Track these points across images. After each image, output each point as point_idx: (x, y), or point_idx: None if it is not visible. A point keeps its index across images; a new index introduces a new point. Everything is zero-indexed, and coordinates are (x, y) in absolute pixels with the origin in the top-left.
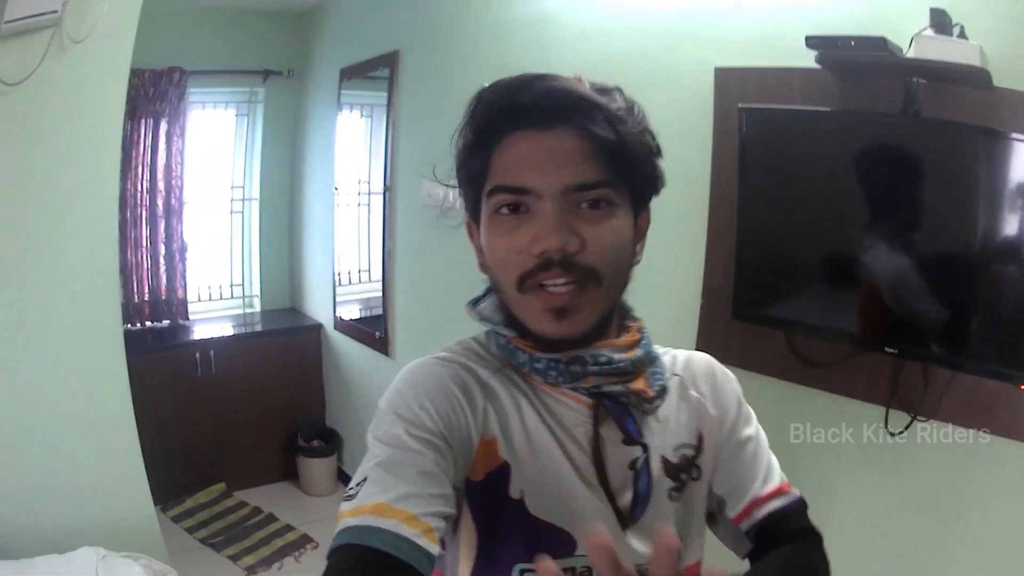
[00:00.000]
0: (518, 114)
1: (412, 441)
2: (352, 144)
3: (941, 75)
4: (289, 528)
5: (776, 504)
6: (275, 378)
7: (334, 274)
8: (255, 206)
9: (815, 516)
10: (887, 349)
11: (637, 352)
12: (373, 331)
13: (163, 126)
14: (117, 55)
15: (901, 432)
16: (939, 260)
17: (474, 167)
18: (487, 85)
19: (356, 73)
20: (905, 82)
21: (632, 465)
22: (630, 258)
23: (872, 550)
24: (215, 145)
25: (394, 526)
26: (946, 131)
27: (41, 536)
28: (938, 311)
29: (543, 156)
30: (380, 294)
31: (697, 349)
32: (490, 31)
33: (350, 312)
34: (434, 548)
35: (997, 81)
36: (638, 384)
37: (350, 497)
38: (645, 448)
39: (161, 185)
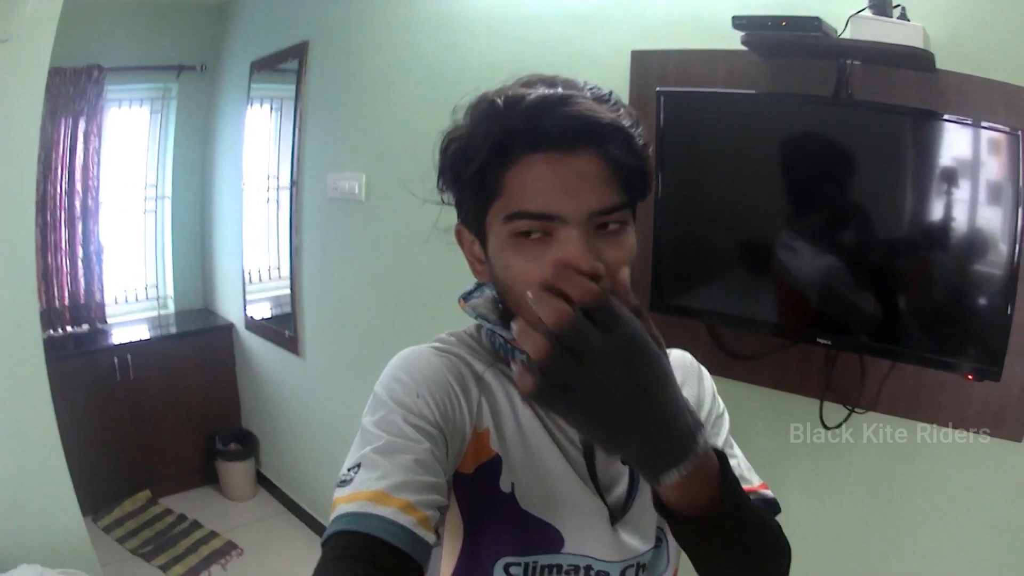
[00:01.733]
0: (540, 136)
1: (409, 429)
2: (260, 139)
3: (879, 57)
4: (214, 535)
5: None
6: (191, 381)
7: (243, 272)
8: (168, 205)
9: None
10: (819, 340)
11: None
12: (283, 329)
13: (81, 125)
14: (37, 56)
15: (838, 426)
16: (871, 247)
17: (484, 183)
18: (499, 100)
19: (266, 66)
20: (838, 64)
21: (625, 460)
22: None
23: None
24: (130, 143)
25: (392, 513)
26: (881, 114)
27: None
28: (872, 300)
29: (568, 181)
30: (288, 292)
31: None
32: (402, 21)
33: (261, 311)
34: (430, 537)
35: (940, 63)
36: None
37: (344, 482)
38: None
39: (79, 186)
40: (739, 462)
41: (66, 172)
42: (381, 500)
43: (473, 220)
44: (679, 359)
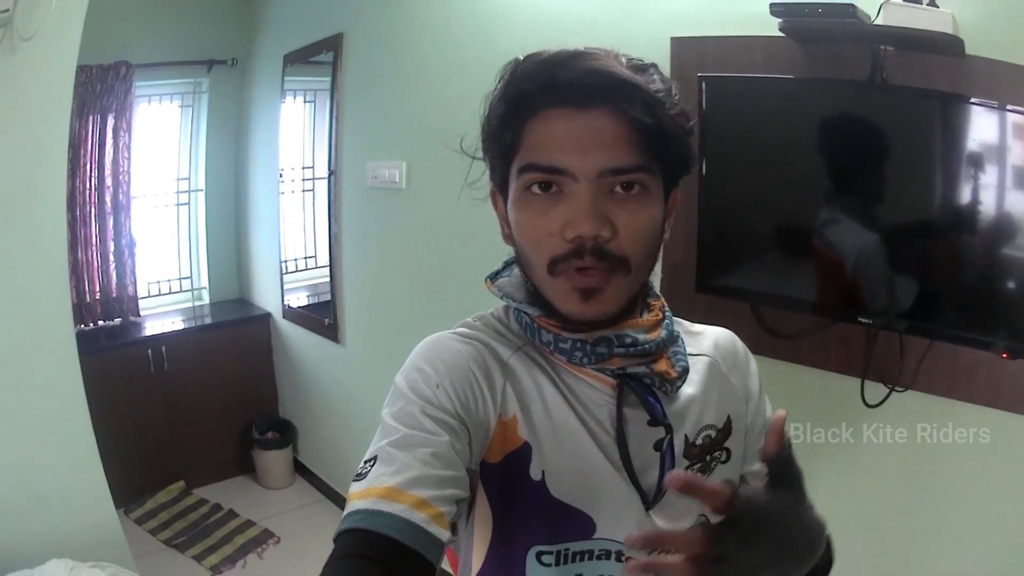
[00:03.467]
0: (555, 90)
1: (427, 421)
2: (295, 130)
3: (910, 42)
4: (250, 524)
5: None
6: (227, 370)
7: (280, 261)
8: (201, 197)
9: None
10: (860, 319)
11: (661, 333)
12: (322, 318)
13: (110, 121)
14: (64, 52)
15: (880, 403)
16: (905, 227)
17: (505, 139)
18: (522, 57)
19: (299, 58)
20: (872, 49)
21: (657, 446)
22: (659, 240)
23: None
24: (161, 138)
25: (403, 511)
26: (913, 98)
27: (7, 550)
28: (909, 280)
29: (579, 137)
30: (327, 280)
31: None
32: (435, 8)
33: (298, 299)
34: (443, 534)
35: (969, 49)
36: (661, 365)
37: (360, 476)
38: (669, 429)
39: (109, 181)
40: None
41: (95, 168)
42: (393, 496)
43: (499, 178)
44: (727, 343)
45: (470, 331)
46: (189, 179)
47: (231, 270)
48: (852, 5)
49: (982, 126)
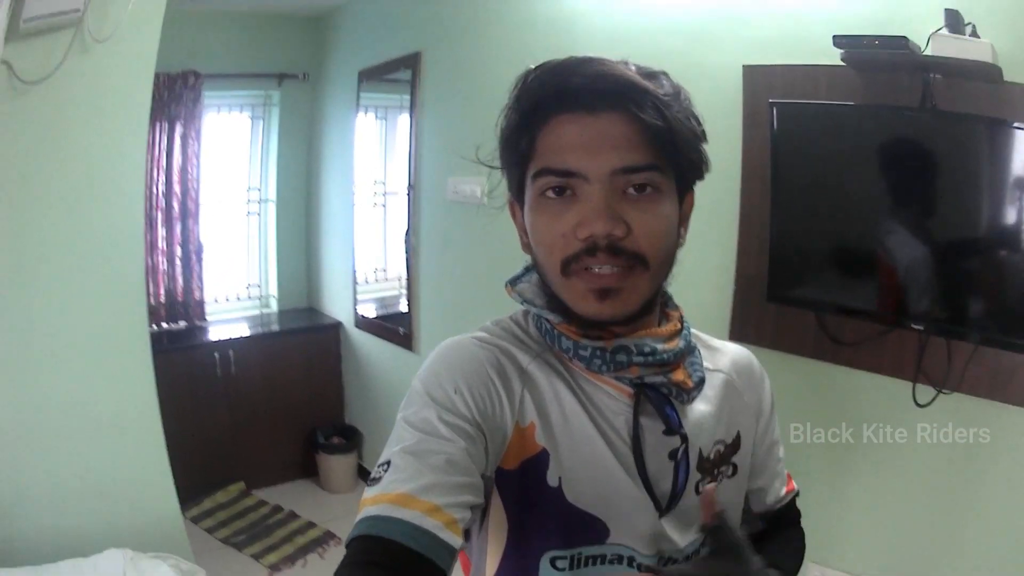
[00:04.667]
0: (566, 96)
1: (443, 427)
2: (368, 146)
3: (955, 71)
4: (311, 525)
5: (788, 499)
6: (294, 377)
7: (354, 272)
8: (272, 208)
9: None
10: (913, 326)
11: (679, 343)
12: (396, 327)
13: (178, 129)
14: (141, 55)
15: (929, 403)
16: (956, 242)
17: (519, 147)
18: (533, 66)
19: (374, 75)
20: (923, 78)
21: (672, 455)
22: (675, 242)
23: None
24: (231, 148)
25: (415, 517)
26: (961, 122)
27: (66, 539)
28: (958, 289)
29: (590, 139)
30: (395, 292)
31: (732, 330)
32: (514, 30)
33: (368, 310)
34: (456, 541)
35: (1007, 76)
36: (678, 375)
37: (374, 481)
38: (685, 439)
39: (177, 188)
40: (781, 457)
41: (163, 174)
42: (406, 503)
43: (516, 188)
44: (745, 361)
45: (489, 336)
46: (260, 189)
47: (300, 279)
48: (905, 38)
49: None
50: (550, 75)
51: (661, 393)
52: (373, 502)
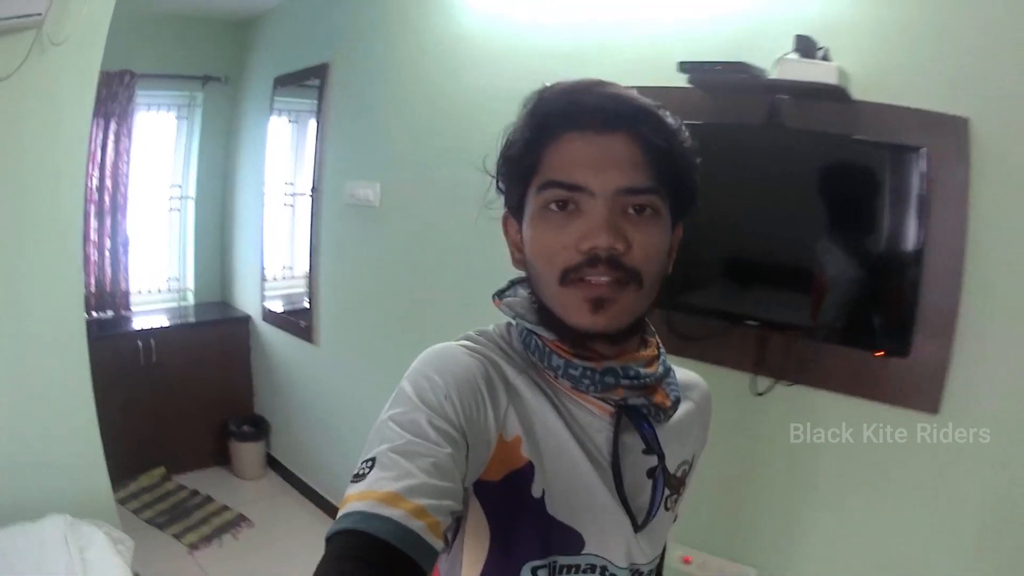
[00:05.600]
0: (577, 115)
1: (431, 431)
2: (280, 148)
3: (801, 91)
4: (226, 508)
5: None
6: (209, 367)
7: (262, 268)
8: (192, 204)
9: None
10: (749, 322)
11: (659, 368)
12: (299, 321)
13: (112, 126)
14: (90, 57)
15: (764, 392)
16: (794, 247)
17: (525, 162)
18: (547, 85)
19: (289, 81)
20: (770, 98)
21: (650, 473)
22: (665, 267)
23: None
24: (158, 146)
25: (402, 517)
26: (804, 136)
27: (9, 506)
28: (795, 289)
29: (597, 157)
30: (301, 290)
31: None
32: (412, 47)
33: (275, 305)
34: (438, 544)
35: (860, 94)
36: (659, 396)
37: (359, 477)
38: (662, 457)
39: (108, 182)
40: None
41: (97, 169)
42: (393, 502)
43: (516, 202)
44: (706, 392)
45: (477, 346)
46: (182, 186)
47: (215, 274)
48: (744, 63)
49: (867, 158)
50: (562, 94)
51: (641, 413)
52: (359, 498)
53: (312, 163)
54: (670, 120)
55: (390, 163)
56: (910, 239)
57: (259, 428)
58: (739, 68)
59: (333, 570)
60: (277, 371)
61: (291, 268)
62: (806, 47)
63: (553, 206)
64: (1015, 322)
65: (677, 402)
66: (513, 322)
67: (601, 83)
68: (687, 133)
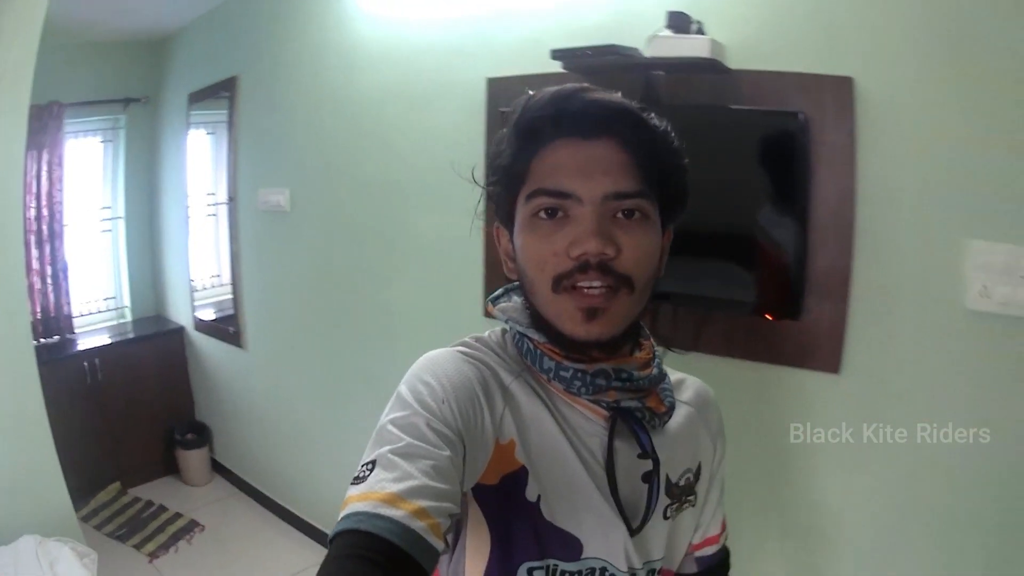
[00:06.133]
0: (563, 122)
1: (431, 434)
2: (201, 160)
3: (675, 67)
4: (178, 515)
5: (721, 541)
6: (150, 380)
7: (190, 280)
8: (122, 224)
9: None
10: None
11: (653, 370)
12: (228, 327)
13: (44, 156)
14: (19, 95)
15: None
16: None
17: (513, 171)
18: (531, 93)
19: (203, 96)
20: (645, 75)
21: (646, 478)
22: (656, 269)
23: None
24: (86, 170)
25: (403, 517)
26: (682, 111)
27: None
28: (683, 258)
29: (584, 164)
30: (229, 296)
31: (485, 307)
32: (311, 56)
33: (207, 314)
34: (439, 545)
35: (738, 64)
36: (652, 400)
37: (359, 479)
38: (657, 461)
39: (45, 211)
40: (723, 491)
41: (34, 199)
42: (394, 503)
43: (505, 212)
44: (705, 393)
45: (473, 351)
46: (112, 207)
47: (148, 289)
48: (615, 45)
49: (747, 126)
50: (547, 103)
51: (635, 417)
52: (360, 499)
53: (226, 173)
54: (656, 123)
55: (298, 168)
56: (793, 203)
57: (201, 435)
58: (609, 51)
59: (338, 569)
60: (212, 377)
61: (219, 276)
62: (679, 23)
63: (542, 214)
64: (910, 277)
65: (672, 408)
66: (507, 327)
67: (585, 89)
68: (674, 135)
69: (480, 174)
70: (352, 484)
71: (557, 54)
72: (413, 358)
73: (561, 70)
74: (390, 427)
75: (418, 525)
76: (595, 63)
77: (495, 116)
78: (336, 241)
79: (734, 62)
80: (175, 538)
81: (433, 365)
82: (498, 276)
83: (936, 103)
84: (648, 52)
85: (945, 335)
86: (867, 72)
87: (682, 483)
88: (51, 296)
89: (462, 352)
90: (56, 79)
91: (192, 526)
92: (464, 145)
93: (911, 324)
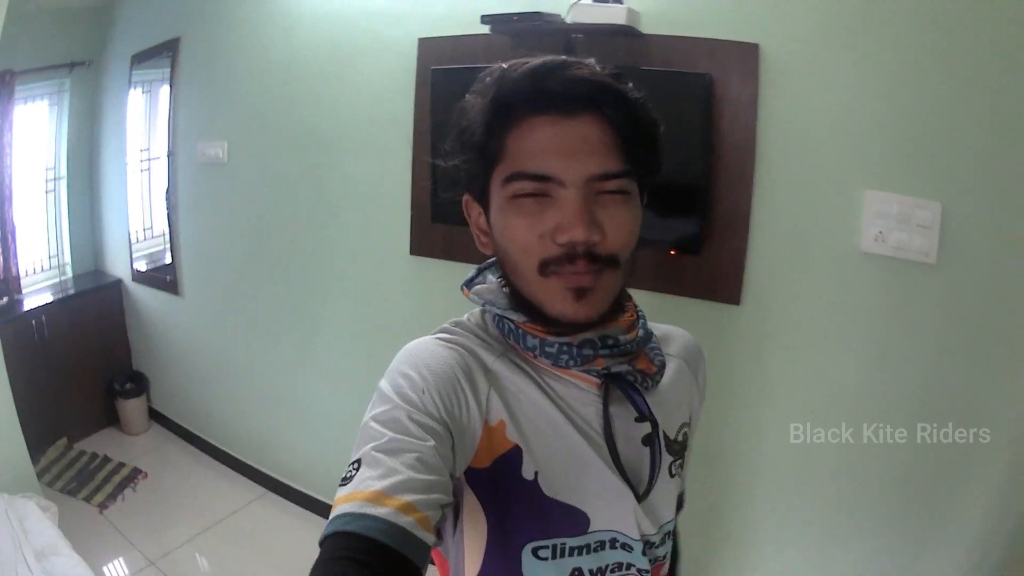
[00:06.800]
0: (541, 99)
1: (414, 426)
2: (138, 119)
3: (593, 32)
4: (122, 465)
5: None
6: (90, 334)
7: (128, 233)
8: (64, 184)
9: None
10: None
11: (638, 332)
12: (165, 276)
13: None
14: None
15: None
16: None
17: (487, 148)
18: (505, 65)
19: (145, 57)
20: (566, 39)
21: (646, 441)
22: (637, 238)
23: None
24: (33, 135)
25: (389, 514)
26: None
27: None
28: None
29: (566, 143)
30: (163, 248)
31: (411, 245)
32: (248, 16)
33: (141, 266)
34: (429, 538)
35: (652, 29)
36: (642, 362)
37: (346, 480)
38: (655, 423)
39: None
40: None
41: None
42: (380, 500)
43: (478, 188)
44: (692, 344)
45: (452, 336)
46: (55, 168)
47: (88, 245)
48: (539, 12)
49: (660, 87)
50: (524, 77)
51: (628, 381)
52: (346, 499)
53: (166, 129)
54: (634, 95)
55: (236, 122)
56: (699, 153)
57: (139, 384)
58: (534, 18)
59: (325, 573)
60: (149, 326)
61: (151, 229)
62: None
63: (524, 196)
64: (808, 221)
65: (662, 367)
66: (481, 309)
67: (565, 63)
68: (650, 104)
69: (409, 132)
70: (340, 485)
71: (486, 19)
72: (344, 296)
73: (486, 32)
74: (372, 424)
75: (405, 521)
76: (521, 27)
77: (425, 74)
78: (271, 189)
79: (649, 28)
80: (120, 487)
81: (411, 356)
82: (423, 217)
83: (836, 66)
84: (569, 18)
85: (840, 273)
86: (772, 38)
87: (680, 438)
88: (0, 259)
89: (440, 339)
90: (6, 47)
91: (135, 474)
92: (394, 100)
93: (808, 262)
